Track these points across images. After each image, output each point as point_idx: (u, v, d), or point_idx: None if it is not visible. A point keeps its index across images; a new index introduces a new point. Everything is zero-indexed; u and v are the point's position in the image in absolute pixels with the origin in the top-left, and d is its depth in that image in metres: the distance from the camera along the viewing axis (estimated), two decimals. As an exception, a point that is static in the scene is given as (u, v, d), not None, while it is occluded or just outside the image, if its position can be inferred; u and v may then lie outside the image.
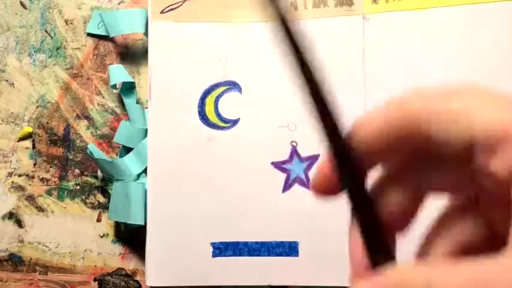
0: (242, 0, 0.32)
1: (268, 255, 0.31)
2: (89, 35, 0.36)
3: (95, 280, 0.35)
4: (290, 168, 0.31)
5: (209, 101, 0.32)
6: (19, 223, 0.35)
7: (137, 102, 0.35)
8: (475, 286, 0.16)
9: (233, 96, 0.32)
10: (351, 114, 0.32)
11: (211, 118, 0.32)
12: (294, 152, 0.31)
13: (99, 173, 0.35)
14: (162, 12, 0.32)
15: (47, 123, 0.36)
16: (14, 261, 0.35)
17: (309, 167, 0.31)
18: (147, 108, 0.34)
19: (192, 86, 0.32)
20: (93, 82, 0.36)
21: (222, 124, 0.32)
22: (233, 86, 0.32)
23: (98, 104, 0.35)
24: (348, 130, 0.17)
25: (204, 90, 0.32)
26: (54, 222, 0.35)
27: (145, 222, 0.32)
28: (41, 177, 0.35)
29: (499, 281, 0.16)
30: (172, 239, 0.32)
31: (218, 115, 0.32)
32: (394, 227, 0.18)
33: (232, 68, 0.32)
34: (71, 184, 0.35)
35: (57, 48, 0.36)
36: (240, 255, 0.31)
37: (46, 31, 0.36)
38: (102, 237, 0.35)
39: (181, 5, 0.32)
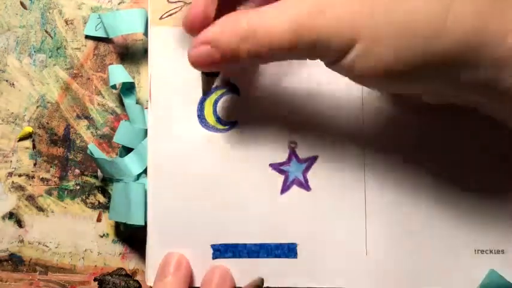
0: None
1: (267, 256, 0.31)
2: (87, 37, 0.36)
3: (95, 280, 0.35)
4: (288, 170, 0.32)
5: (208, 104, 0.32)
6: (19, 223, 0.36)
7: (137, 102, 0.35)
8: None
9: (231, 99, 0.32)
10: (351, 116, 0.32)
11: (210, 121, 0.32)
12: (293, 154, 0.32)
13: (99, 173, 0.35)
14: (161, 18, 0.33)
15: (47, 123, 0.36)
16: (14, 261, 0.35)
17: (307, 168, 0.31)
18: (147, 108, 0.34)
19: (191, 90, 0.32)
20: (93, 82, 0.36)
21: (220, 127, 0.32)
22: (231, 88, 0.32)
23: (98, 104, 0.36)
24: None
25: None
26: (54, 222, 0.35)
27: (146, 223, 0.32)
28: (41, 177, 0.36)
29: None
30: (172, 240, 0.32)
31: (217, 118, 0.32)
32: None
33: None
34: (71, 184, 0.35)
35: (57, 48, 0.36)
36: (240, 257, 0.31)
37: (46, 31, 0.36)
38: (102, 237, 0.35)
39: (180, 9, 0.32)
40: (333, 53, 0.24)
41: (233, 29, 0.25)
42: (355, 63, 0.23)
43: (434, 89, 0.25)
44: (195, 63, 0.27)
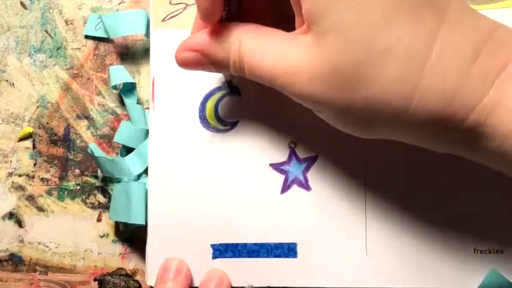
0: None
1: (267, 256, 0.31)
2: (87, 37, 0.36)
3: (95, 280, 0.35)
4: (288, 170, 0.32)
5: (210, 105, 0.32)
6: (19, 223, 0.36)
7: (137, 103, 0.35)
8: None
9: (232, 99, 0.32)
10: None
11: (211, 121, 0.32)
12: (293, 153, 0.32)
13: (100, 173, 0.35)
14: (163, 20, 0.33)
15: (47, 123, 0.36)
16: (14, 261, 0.35)
17: (307, 168, 0.32)
18: (147, 108, 0.34)
19: (193, 91, 0.32)
20: (93, 82, 0.36)
21: (221, 127, 0.32)
22: (232, 89, 0.32)
23: (98, 104, 0.36)
24: None
25: (205, 95, 0.32)
26: (55, 222, 0.35)
27: (146, 222, 0.32)
28: (41, 177, 0.36)
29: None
30: (172, 240, 0.32)
31: (218, 118, 0.32)
32: None
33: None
34: (71, 184, 0.35)
35: (58, 49, 0.36)
36: (240, 256, 0.31)
37: (46, 31, 0.36)
38: (102, 237, 0.35)
39: (182, 12, 0.32)
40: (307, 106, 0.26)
41: (224, 49, 0.26)
42: (328, 118, 0.26)
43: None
44: (183, 66, 0.28)
